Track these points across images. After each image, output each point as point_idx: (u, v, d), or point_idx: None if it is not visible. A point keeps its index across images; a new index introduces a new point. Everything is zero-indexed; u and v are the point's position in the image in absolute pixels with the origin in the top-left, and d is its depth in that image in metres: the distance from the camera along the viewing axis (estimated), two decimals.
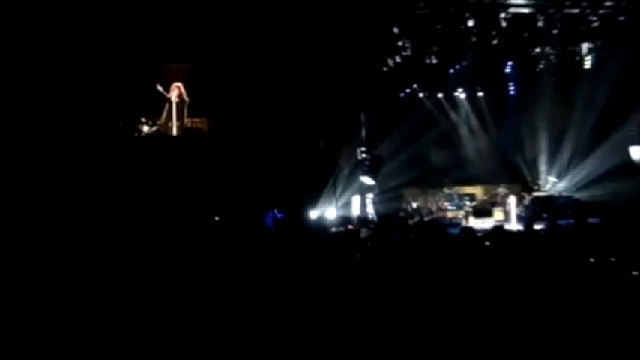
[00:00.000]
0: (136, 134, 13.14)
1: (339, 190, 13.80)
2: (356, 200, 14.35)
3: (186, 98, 13.95)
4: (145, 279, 5.29)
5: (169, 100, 13.98)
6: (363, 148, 14.22)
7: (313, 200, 13.39)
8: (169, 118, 14.00)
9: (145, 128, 13.45)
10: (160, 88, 13.47)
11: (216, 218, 11.33)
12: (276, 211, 12.10)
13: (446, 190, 14.78)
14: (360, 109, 14.33)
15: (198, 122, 14.12)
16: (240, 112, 13.40)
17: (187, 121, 13.97)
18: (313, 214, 13.58)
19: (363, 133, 14.55)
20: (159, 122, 13.88)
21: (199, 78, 13.86)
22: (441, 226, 11.03)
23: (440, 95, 15.41)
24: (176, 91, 13.96)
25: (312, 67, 13.09)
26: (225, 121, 13.52)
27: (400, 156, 14.50)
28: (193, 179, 11.93)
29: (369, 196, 14.24)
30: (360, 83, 13.65)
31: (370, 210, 14.15)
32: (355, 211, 14.26)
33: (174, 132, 13.81)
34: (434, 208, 14.51)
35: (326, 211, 13.73)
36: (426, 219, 14.11)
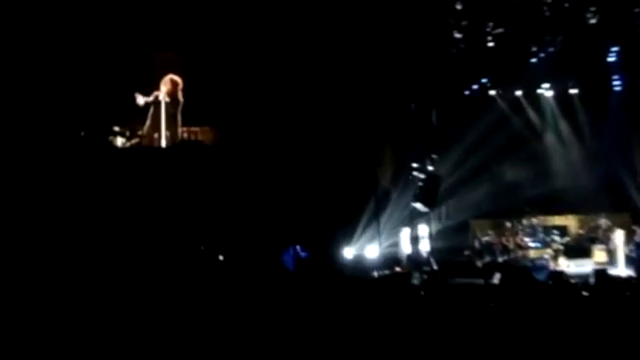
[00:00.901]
0: (106, 148, 13.23)
1: (383, 221, 13.81)
2: (406, 234, 14.37)
3: (181, 98, 14.01)
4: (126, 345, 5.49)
5: (156, 102, 13.96)
6: (416, 165, 14.18)
7: (348, 234, 13.47)
8: (156, 125, 14.00)
9: (120, 141, 13.44)
10: (140, 99, 13.51)
11: (220, 258, 11.32)
12: (298, 248, 12.22)
13: (526, 222, 14.66)
14: (411, 111, 14.31)
15: (198, 132, 14.22)
16: (254, 118, 13.52)
17: (182, 131, 14.03)
18: (348, 253, 13.67)
19: (416, 143, 14.60)
20: (140, 132, 13.90)
21: (196, 72, 13.96)
22: (522, 270, 10.91)
23: (518, 93, 15.34)
24: (166, 87, 14.01)
25: (343, 51, 13.11)
26: (233, 130, 13.64)
27: (465, 174, 14.55)
28: (188, 206, 12.04)
29: (424, 229, 14.28)
30: (410, 76, 13.70)
31: (425, 247, 14.18)
32: (405, 248, 14.29)
33: (163, 143, 13.86)
34: (511, 245, 14.44)
35: (365, 249, 13.80)
36: (500, 259, 14.07)
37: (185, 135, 14.04)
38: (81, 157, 12.23)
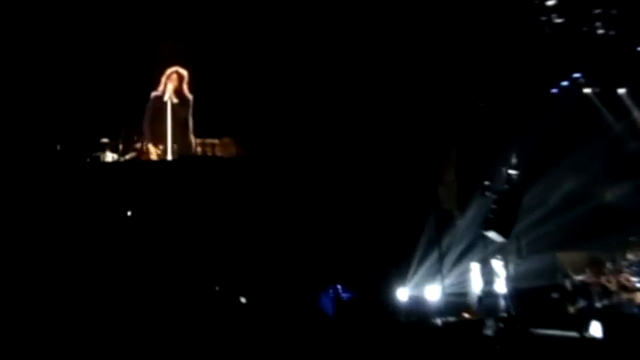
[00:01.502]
0: (92, 164, 13.03)
1: (446, 253, 13.71)
2: (476, 270, 14.12)
3: (190, 95, 13.84)
4: None
5: (158, 103, 13.78)
6: (488, 182, 13.77)
7: (402, 269, 13.42)
8: (160, 135, 13.78)
9: (110, 156, 13.18)
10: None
11: (242, 301, 11.40)
12: (340, 287, 12.21)
13: (633, 256, 14.06)
14: (481, 112, 14.08)
15: (217, 145, 14.11)
16: (283, 123, 13.56)
17: (196, 142, 13.82)
18: (402, 294, 13.56)
19: (488, 154, 14.20)
20: (136, 145, 13.66)
21: (206, 66, 13.97)
22: (629, 318, 10.72)
23: (621, 91, 14.96)
24: (173, 83, 13.92)
25: (394, 37, 13.21)
26: (260, 141, 13.64)
27: (551, 193, 14.31)
28: (201, 235, 12.03)
29: (499, 264, 13.90)
30: (478, 66, 13.60)
31: (501, 288, 13.79)
32: (475, 288, 14.04)
33: (170, 156, 13.63)
34: (613, 286, 13.78)
35: (424, 289, 13.67)
36: (598, 304, 13.49)
37: (198, 148, 13.86)
38: (57, 178, 12.09)
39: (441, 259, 13.46)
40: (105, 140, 13.22)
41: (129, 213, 11.81)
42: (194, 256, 11.73)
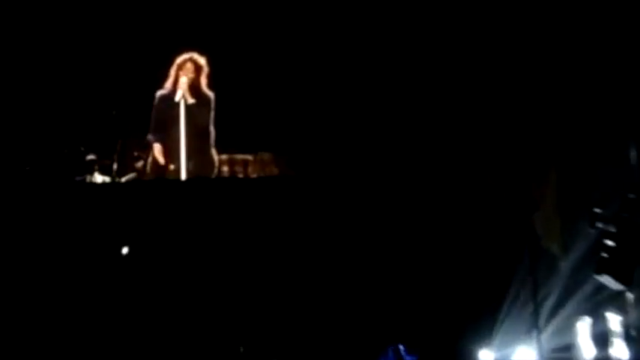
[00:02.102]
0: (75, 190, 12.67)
1: (544, 305, 13.51)
2: (585, 328, 13.74)
3: (211, 93, 13.43)
4: None
5: (167, 105, 13.40)
6: (598, 210, 13.00)
7: (484, 325, 13.27)
8: (168, 148, 13.39)
9: (101, 179, 12.82)
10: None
11: None
12: (402, 348, 12.09)
13: None
14: (587, 120, 13.82)
15: (250, 162, 13.86)
16: (342, 138, 13.73)
17: (220, 159, 13.57)
18: (484, 357, 13.38)
19: (600, 175, 13.84)
20: (137, 163, 13.40)
21: (234, 54, 13.94)
22: None
23: None
24: (187, 75, 13.42)
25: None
26: (309, 159, 13.70)
27: None
28: (225, 283, 12.02)
29: (616, 319, 13.51)
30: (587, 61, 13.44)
31: (620, 352, 13.39)
32: (585, 351, 13.70)
33: (184, 177, 13.24)
34: None
35: (514, 351, 13.44)
36: None
37: (225, 168, 13.54)
38: (27, 210, 11.83)
39: (536, 311, 13.27)
40: (92, 157, 12.89)
41: (124, 251, 11.51)
42: (211, 309, 11.69)
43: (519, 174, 13.82)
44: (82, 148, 13.00)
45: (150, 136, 13.27)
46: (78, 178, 12.63)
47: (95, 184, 12.58)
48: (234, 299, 11.82)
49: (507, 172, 13.77)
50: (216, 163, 13.40)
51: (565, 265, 13.92)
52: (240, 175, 13.59)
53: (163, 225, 12.10)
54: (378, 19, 13.72)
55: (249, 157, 13.75)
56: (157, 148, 13.10)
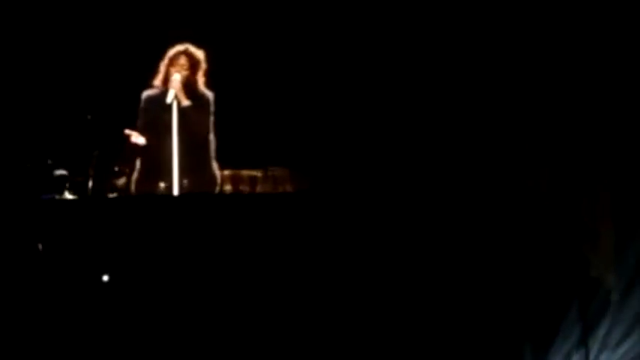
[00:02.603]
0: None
1: (594, 346, 12.63)
2: None
3: (208, 93, 12.45)
4: None
5: (157, 105, 12.37)
6: None
7: None
8: (158, 161, 12.34)
9: (68, 194, 11.84)
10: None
11: None
12: None
13: None
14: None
15: (260, 178, 13.20)
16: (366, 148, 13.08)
17: (222, 175, 12.72)
18: None
19: None
20: (118, 180, 12.48)
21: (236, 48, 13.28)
22: None
23: None
24: (181, 71, 12.31)
25: None
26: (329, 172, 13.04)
27: None
28: (229, 320, 10.98)
29: None
30: None
31: None
32: None
33: (176, 191, 12.26)
34: None
35: None
36: None
37: (228, 187, 12.86)
38: None
39: (587, 356, 12.29)
40: (62, 172, 11.77)
41: (105, 278, 10.67)
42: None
43: (570, 201, 12.92)
44: (50, 161, 11.89)
45: (132, 149, 12.38)
46: (45, 197, 11.68)
47: (66, 201, 11.70)
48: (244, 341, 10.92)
49: (555, 198, 12.98)
50: (218, 180, 12.47)
51: (620, 301, 12.77)
52: (243, 189, 13.13)
53: (151, 246, 11.04)
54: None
55: (258, 174, 13.06)
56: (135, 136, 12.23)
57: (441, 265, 11.89)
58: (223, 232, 11.20)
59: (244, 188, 12.88)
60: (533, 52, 12.97)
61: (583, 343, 12.25)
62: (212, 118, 12.25)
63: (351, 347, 11.66)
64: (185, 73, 12.12)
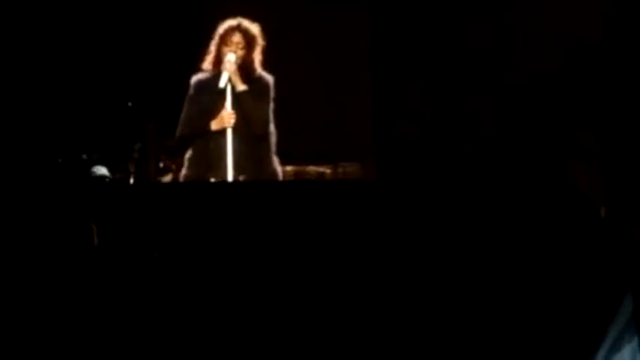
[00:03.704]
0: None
1: None
2: None
3: (268, 77, 11.49)
4: None
5: (207, 90, 11.42)
6: None
7: None
8: (208, 156, 11.57)
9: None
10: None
11: None
12: None
13: None
14: None
15: (329, 174, 12.45)
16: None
17: (285, 171, 11.93)
18: None
19: None
20: (164, 178, 11.79)
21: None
22: None
23: None
24: (234, 52, 11.34)
25: None
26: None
27: None
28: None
29: None
30: None
31: None
32: None
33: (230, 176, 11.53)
34: None
35: None
36: None
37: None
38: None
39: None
40: (102, 171, 10.97)
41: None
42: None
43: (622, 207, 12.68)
44: (85, 156, 11.01)
45: (180, 140, 11.46)
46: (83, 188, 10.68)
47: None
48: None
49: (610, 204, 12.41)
50: (280, 177, 11.49)
51: None
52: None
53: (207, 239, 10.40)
54: None
55: (327, 170, 12.07)
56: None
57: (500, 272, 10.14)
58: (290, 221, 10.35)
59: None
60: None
61: None
62: (272, 105, 11.16)
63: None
64: (240, 53, 11.05)
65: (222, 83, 10.80)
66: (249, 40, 11.07)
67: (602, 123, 11.88)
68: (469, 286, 10.42)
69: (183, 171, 11.20)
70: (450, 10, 12.48)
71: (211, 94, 10.94)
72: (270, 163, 11.24)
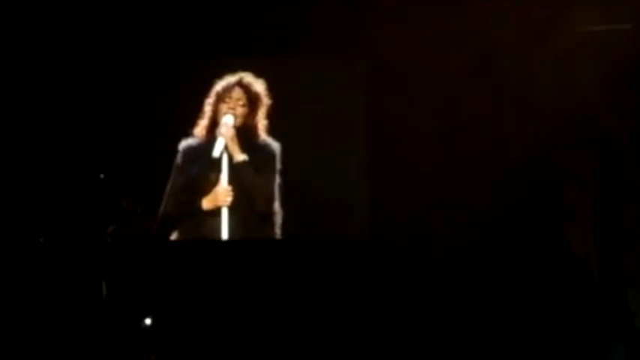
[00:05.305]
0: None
1: None
2: None
3: (274, 143, 10.92)
4: None
5: (201, 160, 10.61)
6: None
7: None
8: (206, 224, 10.56)
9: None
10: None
11: None
12: None
13: None
14: None
15: None
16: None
17: None
18: None
19: None
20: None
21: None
22: None
23: None
24: (233, 113, 10.49)
25: None
26: None
27: None
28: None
29: None
30: None
31: None
32: None
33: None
34: None
35: None
36: None
37: None
38: None
39: None
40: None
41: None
42: None
43: None
44: (41, 239, 9.83)
45: (165, 218, 10.35)
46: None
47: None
48: None
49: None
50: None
51: None
52: None
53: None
54: None
55: None
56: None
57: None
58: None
59: None
60: None
61: None
62: (278, 179, 9.98)
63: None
64: (241, 111, 9.92)
65: (216, 151, 9.81)
66: (251, 98, 9.97)
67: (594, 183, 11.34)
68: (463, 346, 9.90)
69: None
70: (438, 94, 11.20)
71: (203, 164, 9.90)
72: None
